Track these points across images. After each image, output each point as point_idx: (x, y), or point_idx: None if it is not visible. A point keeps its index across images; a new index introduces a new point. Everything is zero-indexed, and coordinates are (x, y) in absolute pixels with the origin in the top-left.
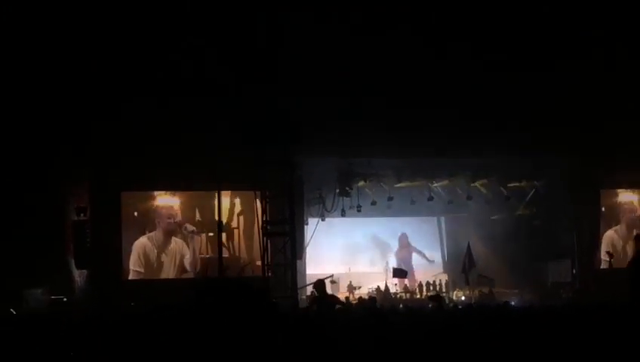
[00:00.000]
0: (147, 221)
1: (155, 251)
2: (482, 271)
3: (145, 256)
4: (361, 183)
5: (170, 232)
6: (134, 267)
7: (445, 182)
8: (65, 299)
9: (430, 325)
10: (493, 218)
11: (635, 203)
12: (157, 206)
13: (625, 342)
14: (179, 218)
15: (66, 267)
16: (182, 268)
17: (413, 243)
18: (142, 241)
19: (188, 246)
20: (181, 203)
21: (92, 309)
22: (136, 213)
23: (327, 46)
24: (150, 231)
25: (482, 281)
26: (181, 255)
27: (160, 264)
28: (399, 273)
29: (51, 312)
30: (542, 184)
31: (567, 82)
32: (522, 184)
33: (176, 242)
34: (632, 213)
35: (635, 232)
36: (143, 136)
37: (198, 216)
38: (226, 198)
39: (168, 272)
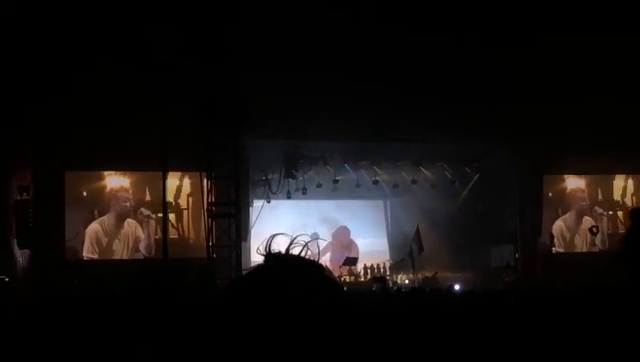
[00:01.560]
0: (96, 201)
1: (107, 238)
2: (426, 255)
3: (97, 242)
4: (307, 166)
5: (125, 216)
6: (87, 254)
7: (391, 165)
8: (7, 279)
9: (374, 306)
10: (437, 202)
11: (585, 191)
12: (111, 188)
13: (571, 326)
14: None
15: (8, 247)
16: (136, 251)
17: (358, 229)
18: (93, 228)
19: (143, 230)
20: (131, 183)
21: (34, 289)
22: (85, 193)
23: (277, 27)
24: (100, 212)
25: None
26: (135, 237)
27: (112, 250)
28: (350, 261)
29: None
30: (487, 169)
31: (512, 67)
32: (467, 168)
33: (129, 224)
34: (582, 201)
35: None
36: (87, 114)
37: (148, 197)
38: (175, 179)
39: (121, 256)
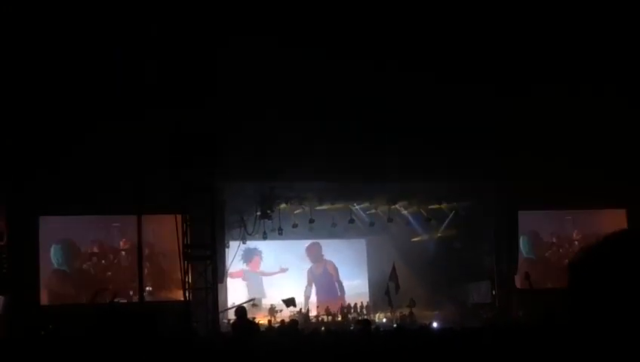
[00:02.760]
0: None
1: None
2: (403, 292)
3: None
4: (283, 206)
5: None
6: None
7: (366, 204)
8: None
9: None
10: (413, 240)
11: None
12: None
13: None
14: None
15: None
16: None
17: (343, 272)
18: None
19: None
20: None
21: (10, 335)
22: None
23: (251, 70)
24: None
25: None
26: None
27: None
28: (289, 303)
29: None
30: (462, 206)
31: (483, 106)
32: (442, 206)
33: None
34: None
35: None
36: (60, 160)
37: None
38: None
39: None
